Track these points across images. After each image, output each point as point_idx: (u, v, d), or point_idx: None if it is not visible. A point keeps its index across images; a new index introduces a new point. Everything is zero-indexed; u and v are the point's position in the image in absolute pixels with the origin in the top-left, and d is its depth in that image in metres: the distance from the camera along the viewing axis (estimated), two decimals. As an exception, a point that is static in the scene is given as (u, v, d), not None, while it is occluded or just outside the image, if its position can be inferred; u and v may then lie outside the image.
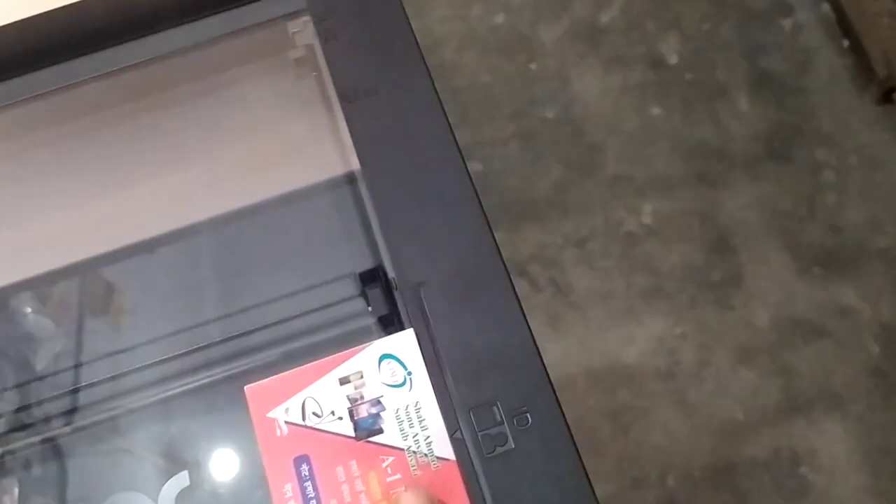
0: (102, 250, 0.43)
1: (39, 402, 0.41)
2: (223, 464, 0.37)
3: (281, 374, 0.34)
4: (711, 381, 1.17)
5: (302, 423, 0.34)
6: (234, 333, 0.38)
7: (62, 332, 0.45)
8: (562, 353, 1.20)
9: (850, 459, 1.11)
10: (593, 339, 1.22)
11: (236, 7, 0.44)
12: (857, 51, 1.35)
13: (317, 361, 0.34)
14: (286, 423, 0.34)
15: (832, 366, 1.16)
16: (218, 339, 0.38)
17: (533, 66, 1.44)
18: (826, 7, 1.41)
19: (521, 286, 1.25)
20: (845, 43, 1.38)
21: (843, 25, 1.38)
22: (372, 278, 0.37)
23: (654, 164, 1.33)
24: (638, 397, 1.18)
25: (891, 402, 1.14)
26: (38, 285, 0.48)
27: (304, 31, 0.43)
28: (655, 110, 1.37)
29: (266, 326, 0.38)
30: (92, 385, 0.39)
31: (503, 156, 1.37)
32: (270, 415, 0.34)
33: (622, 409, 1.17)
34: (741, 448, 1.13)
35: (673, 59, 1.41)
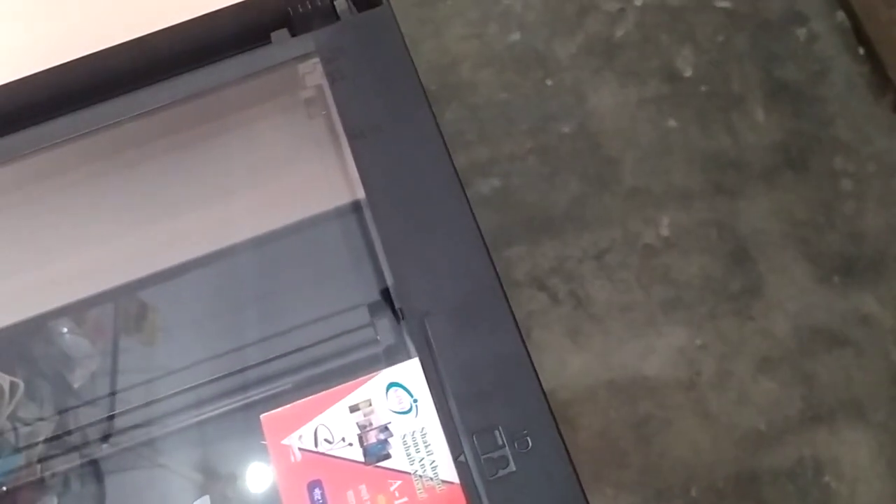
0: (119, 283, 0.46)
1: (68, 432, 0.43)
2: (242, 488, 0.39)
3: (294, 403, 0.36)
4: (733, 392, 1.18)
5: (315, 449, 0.35)
6: (250, 364, 0.40)
7: (98, 351, 0.48)
8: (583, 365, 1.21)
9: (873, 467, 1.11)
10: (614, 351, 1.23)
11: (249, 50, 0.47)
12: (873, 58, 1.35)
13: (328, 391, 0.36)
14: (300, 449, 0.36)
15: (854, 374, 1.16)
16: (234, 370, 0.40)
17: (549, 81, 1.46)
18: (841, 15, 1.42)
19: (542, 300, 1.27)
20: (861, 51, 1.38)
21: (859, 33, 1.38)
22: (380, 308, 0.39)
23: (671, 176, 1.34)
24: (660, 408, 1.19)
25: (914, 409, 1.14)
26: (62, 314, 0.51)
27: (313, 73, 0.45)
28: (671, 123, 1.38)
29: (280, 356, 0.40)
30: (113, 416, 0.41)
31: (521, 171, 1.39)
32: (285, 442, 0.36)
33: (644, 421, 1.18)
34: (764, 458, 1.13)
35: (688, 72, 1.42)
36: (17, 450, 0.48)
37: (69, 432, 0.47)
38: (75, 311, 0.52)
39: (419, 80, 0.43)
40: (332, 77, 0.44)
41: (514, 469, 0.33)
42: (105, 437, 0.43)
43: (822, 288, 1.22)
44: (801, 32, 1.42)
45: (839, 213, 1.27)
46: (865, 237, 1.25)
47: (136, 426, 0.42)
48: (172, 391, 0.41)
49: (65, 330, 0.52)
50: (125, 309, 0.50)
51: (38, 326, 0.53)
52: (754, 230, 1.28)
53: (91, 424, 0.43)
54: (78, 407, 0.47)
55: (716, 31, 1.44)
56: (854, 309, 1.20)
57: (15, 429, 0.49)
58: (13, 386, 0.50)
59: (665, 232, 1.30)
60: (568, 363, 1.23)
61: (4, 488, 0.47)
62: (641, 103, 1.41)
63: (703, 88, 1.40)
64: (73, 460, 0.45)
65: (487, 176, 1.38)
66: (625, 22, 1.48)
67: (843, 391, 1.15)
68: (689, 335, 1.22)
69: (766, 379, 1.18)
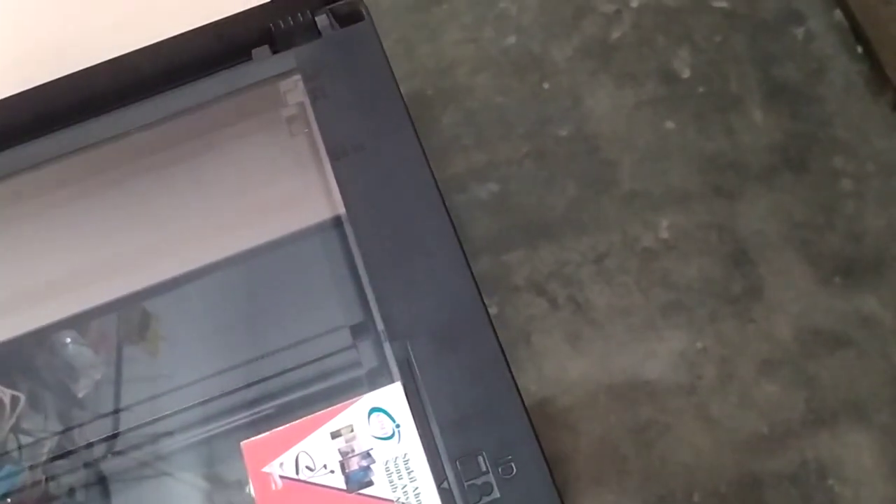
0: (96, 303, 0.46)
1: (71, 450, 0.43)
2: (225, 516, 0.38)
3: (275, 430, 0.36)
4: (735, 395, 1.17)
5: (296, 476, 0.35)
6: (230, 389, 0.39)
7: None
8: (583, 370, 1.21)
9: (877, 470, 1.10)
10: (614, 355, 1.22)
11: (230, 67, 0.46)
12: (872, 57, 1.34)
13: (309, 417, 0.36)
14: (281, 477, 0.35)
15: (856, 376, 1.15)
16: (214, 396, 0.39)
17: (545, 85, 1.45)
18: (838, 14, 1.41)
19: (541, 305, 1.26)
20: (859, 49, 1.37)
21: (857, 32, 1.37)
22: (363, 331, 0.38)
23: (670, 179, 1.33)
24: (661, 413, 1.18)
25: (917, 411, 1.13)
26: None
27: (295, 90, 0.45)
28: (669, 124, 1.37)
29: (260, 381, 0.39)
30: (92, 444, 0.41)
31: (518, 175, 1.38)
32: (266, 469, 0.35)
33: (645, 426, 1.17)
34: (767, 462, 1.12)
35: (685, 73, 1.41)
36: (19, 463, 0.48)
37: (72, 449, 0.46)
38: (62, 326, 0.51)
39: (401, 96, 0.42)
40: (313, 94, 0.43)
41: (498, 496, 0.33)
42: (81, 467, 0.43)
43: (823, 289, 1.21)
44: (799, 32, 1.41)
45: (839, 214, 1.26)
46: (866, 237, 1.24)
47: (118, 452, 0.41)
48: (149, 419, 0.41)
49: (68, 340, 0.52)
50: (117, 325, 0.50)
51: (37, 339, 0.53)
52: (754, 232, 1.27)
53: (71, 452, 0.43)
54: (82, 424, 0.46)
55: (713, 32, 1.44)
56: (855, 310, 1.19)
57: (17, 442, 0.49)
58: (14, 399, 0.50)
59: (664, 235, 1.30)
60: (568, 368, 1.22)
61: (8, 500, 0.46)
62: (638, 105, 1.40)
63: (700, 89, 1.39)
64: (75, 474, 0.45)
65: (485, 181, 1.38)
66: (621, 24, 1.48)
67: (846, 393, 1.14)
68: (689, 339, 1.22)
69: (768, 382, 1.17)
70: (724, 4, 1.45)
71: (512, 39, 1.50)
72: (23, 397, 0.49)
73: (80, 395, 0.49)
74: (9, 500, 0.46)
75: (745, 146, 1.33)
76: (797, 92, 1.36)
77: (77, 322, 0.51)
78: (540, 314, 1.25)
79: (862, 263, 1.22)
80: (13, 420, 0.49)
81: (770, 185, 1.30)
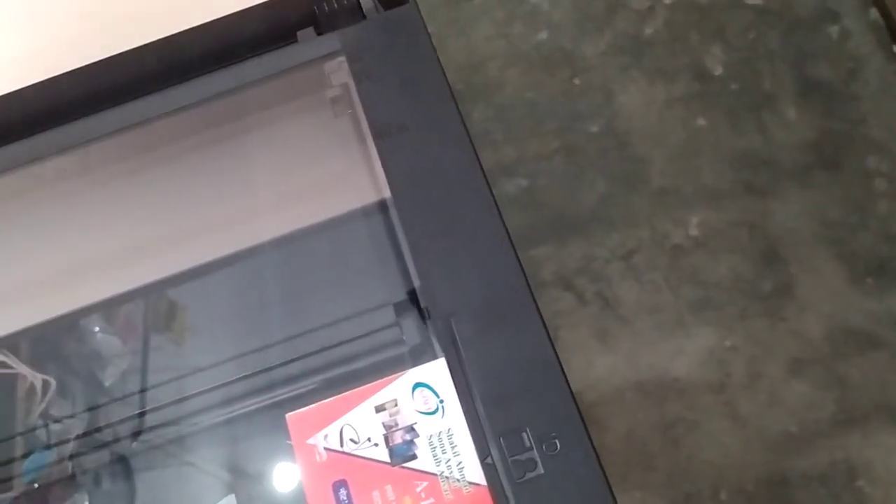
0: (147, 281, 0.46)
1: (98, 429, 0.44)
2: (267, 487, 0.39)
3: (320, 403, 0.36)
4: (764, 394, 1.16)
5: (340, 449, 0.35)
6: (276, 363, 0.40)
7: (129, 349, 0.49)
8: (610, 366, 1.20)
9: (908, 473, 1.09)
10: (642, 351, 1.22)
11: (275, 49, 0.47)
12: (908, 55, 1.32)
13: (354, 391, 0.36)
14: (325, 449, 0.35)
15: (888, 377, 1.14)
16: (261, 369, 0.40)
17: (576, 80, 1.45)
18: (874, 13, 1.39)
19: (569, 300, 1.26)
20: (895, 48, 1.35)
21: (893, 31, 1.36)
22: (406, 308, 0.39)
23: (701, 176, 1.32)
24: (689, 410, 1.18)
25: (950, 413, 1.12)
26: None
27: (339, 71, 0.45)
28: (701, 121, 1.36)
29: (306, 356, 0.40)
30: (142, 414, 0.42)
31: (548, 171, 1.38)
32: (310, 441, 0.36)
33: (673, 423, 1.17)
34: (796, 461, 1.11)
35: (718, 70, 1.40)
36: (49, 447, 0.48)
37: (99, 429, 0.47)
38: (103, 308, 0.52)
39: (445, 78, 0.43)
40: (357, 76, 0.44)
41: (542, 472, 0.33)
42: (134, 435, 0.43)
43: (855, 289, 1.20)
44: (834, 30, 1.40)
45: (872, 213, 1.25)
46: (900, 237, 1.23)
47: (164, 424, 0.42)
48: (199, 390, 0.41)
49: (97, 328, 0.53)
50: (154, 307, 0.50)
51: (69, 324, 0.53)
52: (786, 230, 1.26)
53: (120, 422, 0.43)
54: (108, 404, 0.47)
55: (746, 29, 1.42)
56: (888, 310, 1.18)
57: (46, 426, 0.49)
58: (45, 384, 0.51)
59: (694, 232, 1.29)
60: (595, 364, 1.22)
61: (36, 485, 0.47)
62: (670, 102, 1.39)
63: (733, 87, 1.38)
64: (103, 458, 0.46)
65: (514, 176, 1.38)
66: (654, 20, 1.47)
67: (877, 394, 1.13)
68: (718, 336, 1.21)
69: (798, 381, 1.16)
70: (758, 2, 1.44)
71: (543, 35, 1.50)
72: (53, 382, 0.50)
73: (108, 382, 0.50)
74: (36, 484, 0.47)
75: (778, 144, 1.32)
76: (831, 90, 1.35)
77: (117, 303, 0.52)
78: (567, 309, 1.25)
79: (895, 263, 1.21)
80: (43, 405, 0.50)
81: (803, 184, 1.29)
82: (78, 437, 0.48)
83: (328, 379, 0.38)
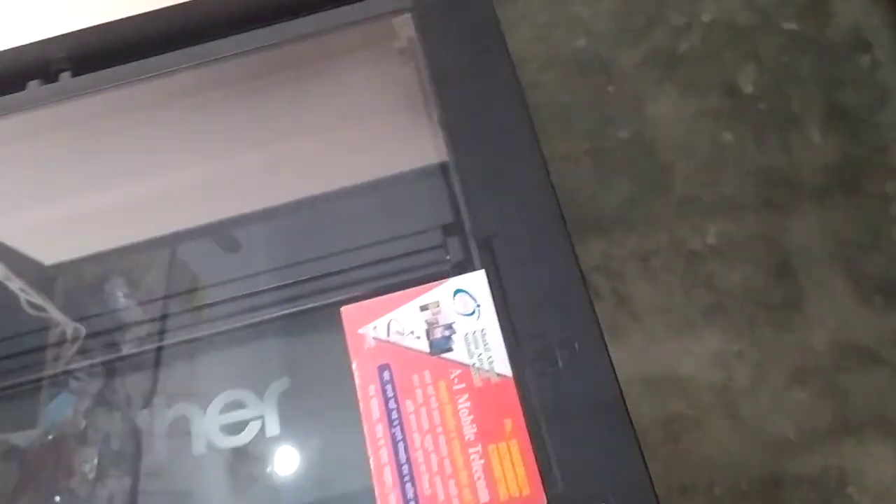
0: (217, 215, 0.51)
1: (163, 317, 0.49)
2: (318, 371, 0.44)
3: (371, 300, 0.42)
4: (765, 399, 1.20)
5: (386, 339, 0.41)
6: (330, 271, 0.45)
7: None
8: (618, 359, 1.24)
9: (898, 484, 1.13)
10: (651, 349, 1.26)
11: (351, 4, 0.52)
12: (934, 89, 1.37)
13: (402, 291, 0.42)
14: (374, 338, 0.41)
15: (887, 392, 1.18)
16: (316, 275, 0.45)
17: (610, 88, 1.50)
18: (905, 45, 1.44)
19: (585, 295, 1.31)
20: (922, 81, 1.40)
21: (921, 64, 1.40)
22: (452, 230, 0.44)
23: (723, 188, 1.37)
24: (691, 408, 1.22)
25: (944, 432, 1.16)
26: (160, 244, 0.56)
27: (407, 26, 0.50)
28: (727, 136, 1.41)
29: (358, 267, 0.45)
30: (215, 304, 0.47)
31: (575, 171, 1.43)
32: (361, 331, 0.41)
33: (674, 418, 1.21)
34: (790, 464, 1.16)
35: (748, 89, 1.45)
36: (73, 392, 0.51)
37: (154, 320, 0.51)
38: (157, 245, 0.57)
39: (502, 35, 0.48)
40: (423, 31, 0.49)
41: (561, 368, 0.38)
42: (200, 324, 0.48)
43: (863, 307, 1.24)
44: (865, 59, 1.44)
45: (886, 237, 1.29)
46: (910, 261, 1.27)
47: (229, 315, 0.47)
48: (256, 289, 0.46)
49: (120, 294, 0.56)
50: (211, 240, 0.55)
51: (119, 257, 0.58)
52: (800, 246, 1.31)
53: (181, 312, 0.49)
54: (173, 295, 0.52)
55: (780, 52, 1.47)
56: (893, 329, 1.22)
57: (73, 374, 0.52)
58: (76, 331, 0.53)
59: (712, 240, 1.34)
60: (605, 357, 1.26)
61: (50, 437, 0.50)
62: (699, 115, 1.44)
63: (761, 106, 1.43)
64: (167, 341, 0.50)
65: (542, 173, 1.43)
66: (690, 36, 1.52)
67: (875, 408, 1.17)
68: (726, 341, 1.25)
69: (799, 389, 1.20)
70: (793, 26, 1.49)
71: (582, 42, 1.55)
72: (83, 329, 0.53)
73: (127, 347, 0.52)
74: (50, 436, 0.50)
75: (800, 164, 1.37)
76: (857, 117, 1.39)
77: (170, 241, 0.57)
78: (583, 303, 1.30)
79: (904, 286, 1.25)
80: (73, 350, 0.52)
81: (821, 204, 1.33)
82: (102, 386, 0.51)
83: (379, 287, 0.43)
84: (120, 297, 0.55)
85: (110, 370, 0.52)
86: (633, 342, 1.27)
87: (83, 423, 0.49)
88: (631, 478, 0.36)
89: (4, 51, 0.52)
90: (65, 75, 0.53)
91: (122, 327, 0.52)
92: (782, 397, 1.20)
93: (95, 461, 0.48)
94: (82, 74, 0.53)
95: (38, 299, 0.54)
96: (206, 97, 0.55)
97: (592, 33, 1.56)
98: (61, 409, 0.51)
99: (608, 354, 0.39)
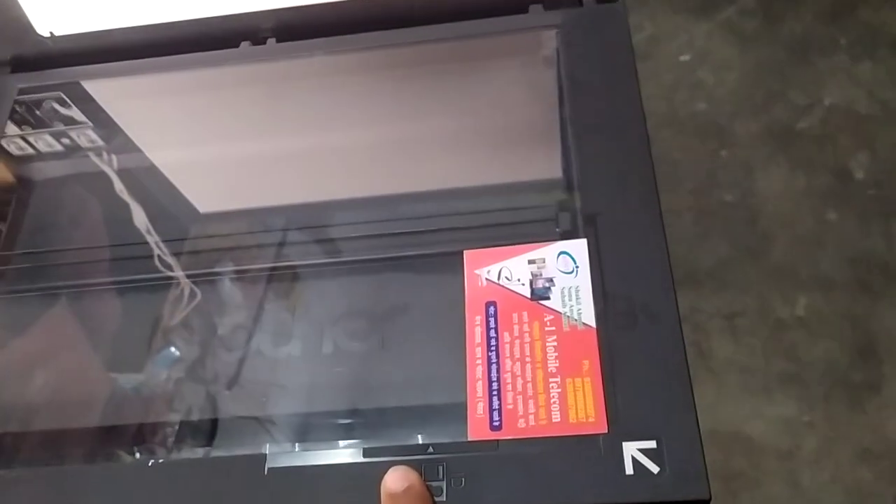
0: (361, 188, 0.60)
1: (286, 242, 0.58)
2: (436, 302, 0.53)
3: (489, 248, 0.50)
4: (828, 472, 1.22)
5: (496, 281, 0.49)
6: (458, 226, 0.54)
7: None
8: (689, 407, 1.29)
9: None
10: (722, 404, 1.30)
11: (512, 15, 0.62)
12: None
13: (515, 246, 0.50)
14: (486, 279, 0.49)
15: (955, 488, 1.18)
16: (445, 227, 0.54)
17: (723, 153, 1.55)
18: None
19: (666, 342, 1.35)
20: None
21: None
22: (564, 206, 0.52)
23: (819, 264, 1.40)
24: (753, 469, 1.24)
25: None
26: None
27: (553, 40, 0.59)
28: (832, 215, 1.44)
29: (485, 226, 0.54)
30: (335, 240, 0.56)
31: (676, 225, 1.48)
32: (476, 272, 0.49)
33: (735, 475, 1.24)
34: (843, 540, 1.17)
35: (859, 174, 1.48)
36: (178, 350, 0.55)
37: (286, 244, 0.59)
38: (284, 212, 0.65)
39: (634, 62, 0.56)
40: (566, 44, 0.58)
41: (637, 329, 0.45)
42: (324, 253, 0.57)
43: (944, 402, 1.25)
44: (982, 164, 1.46)
45: (978, 336, 1.29)
46: None
47: (353, 250, 0.56)
48: (396, 231, 0.55)
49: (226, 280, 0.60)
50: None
51: (247, 217, 0.65)
52: (888, 332, 1.32)
53: (304, 243, 0.57)
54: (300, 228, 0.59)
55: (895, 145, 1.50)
56: (970, 428, 1.22)
57: (178, 335, 0.56)
58: (192, 293, 0.57)
59: (800, 312, 1.37)
60: (676, 405, 1.30)
61: (147, 389, 0.53)
62: (807, 192, 1.48)
63: (870, 192, 1.45)
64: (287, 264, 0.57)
65: (644, 222, 1.49)
66: (809, 116, 1.56)
67: (939, 500, 1.17)
68: (798, 410, 1.28)
69: (864, 469, 1.21)
70: (914, 122, 1.51)
71: (702, 106, 1.62)
72: (200, 293, 0.57)
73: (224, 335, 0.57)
74: (148, 388, 0.52)
75: (900, 253, 1.39)
76: (966, 217, 1.41)
77: (295, 210, 0.64)
78: (663, 350, 1.34)
79: None
80: (186, 312, 0.56)
81: (915, 295, 1.35)
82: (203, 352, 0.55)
83: (498, 242, 0.51)
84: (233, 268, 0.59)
85: (209, 343, 0.56)
86: (707, 395, 1.31)
87: (174, 387, 0.53)
88: (682, 426, 0.42)
89: (227, 15, 0.63)
90: (271, 41, 0.65)
91: (232, 296, 0.58)
92: (845, 473, 1.21)
93: (177, 427, 0.51)
94: (284, 42, 0.64)
95: (168, 258, 0.58)
96: (373, 76, 0.65)
97: (714, 100, 1.62)
98: (164, 363, 0.55)
99: (680, 326, 0.45)
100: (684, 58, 1.68)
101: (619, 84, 0.55)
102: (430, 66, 0.63)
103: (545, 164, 0.54)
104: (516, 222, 0.53)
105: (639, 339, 0.45)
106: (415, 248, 0.53)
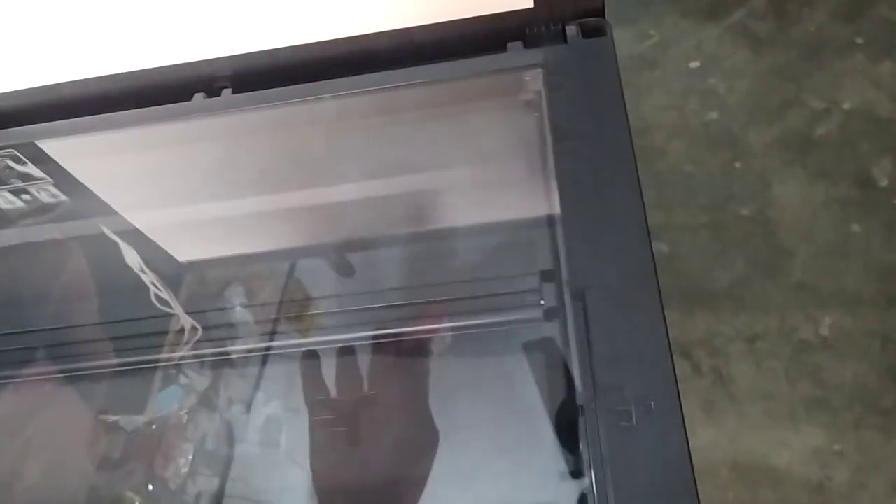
0: (334, 237, 0.55)
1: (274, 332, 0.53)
2: (395, 390, 0.47)
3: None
4: (862, 505, 1.15)
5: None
6: (440, 298, 0.48)
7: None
8: (711, 440, 1.22)
9: None
10: (746, 434, 1.23)
11: (488, 54, 0.56)
12: None
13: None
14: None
15: None
16: (412, 302, 0.48)
17: (737, 164, 1.48)
18: None
19: (684, 368, 1.29)
20: None
21: None
22: (549, 277, 0.46)
23: (843, 279, 1.33)
24: (781, 502, 1.17)
25: None
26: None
27: (535, 80, 0.53)
28: (855, 227, 1.37)
29: (460, 299, 0.48)
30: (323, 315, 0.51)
31: (691, 242, 1.42)
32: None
33: (762, 510, 1.17)
34: (880, 579, 1.09)
35: (883, 182, 1.41)
36: (183, 387, 0.54)
37: (274, 328, 0.55)
38: (279, 257, 0.61)
39: (624, 104, 0.50)
40: (551, 86, 0.52)
41: (633, 424, 0.39)
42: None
43: (982, 426, 1.17)
44: None
45: None
46: None
47: (329, 327, 0.50)
48: (362, 306, 0.50)
49: (238, 303, 0.59)
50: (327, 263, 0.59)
51: (245, 263, 0.62)
52: (920, 351, 1.25)
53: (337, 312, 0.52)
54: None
55: (921, 148, 1.42)
56: None
57: (184, 370, 0.54)
58: (192, 330, 0.55)
59: (825, 332, 1.29)
60: (697, 435, 1.24)
61: (154, 427, 0.52)
62: (827, 203, 1.40)
63: (895, 201, 1.38)
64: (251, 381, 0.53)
65: (656, 240, 1.42)
66: (827, 122, 1.49)
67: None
68: (828, 438, 1.20)
69: (901, 501, 1.14)
70: (939, 123, 1.43)
71: (714, 115, 1.55)
72: (200, 329, 0.55)
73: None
74: (154, 426, 0.52)
75: (930, 265, 1.31)
76: None
77: (290, 255, 0.61)
78: (681, 377, 1.27)
79: None
80: (188, 348, 0.54)
81: (948, 310, 1.27)
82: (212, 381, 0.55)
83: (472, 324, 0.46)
84: (238, 303, 0.58)
85: (218, 373, 0.54)
86: (728, 424, 1.24)
87: (185, 418, 0.52)
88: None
89: (178, 65, 0.58)
90: (226, 91, 0.59)
91: (236, 328, 0.55)
92: (881, 506, 1.14)
93: (190, 457, 0.50)
94: (241, 92, 0.58)
95: (165, 294, 0.57)
96: (342, 125, 0.59)
97: (726, 108, 1.55)
98: (169, 401, 0.54)
99: (682, 419, 0.39)
100: (694, 64, 1.61)
101: (610, 133, 0.49)
102: (400, 113, 0.57)
103: (528, 227, 0.48)
104: (493, 294, 0.47)
105: (636, 439, 0.39)
106: (387, 325, 0.48)
